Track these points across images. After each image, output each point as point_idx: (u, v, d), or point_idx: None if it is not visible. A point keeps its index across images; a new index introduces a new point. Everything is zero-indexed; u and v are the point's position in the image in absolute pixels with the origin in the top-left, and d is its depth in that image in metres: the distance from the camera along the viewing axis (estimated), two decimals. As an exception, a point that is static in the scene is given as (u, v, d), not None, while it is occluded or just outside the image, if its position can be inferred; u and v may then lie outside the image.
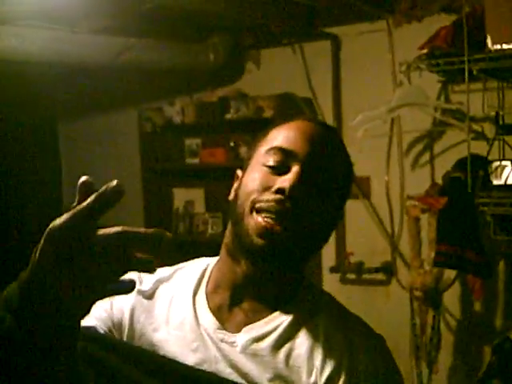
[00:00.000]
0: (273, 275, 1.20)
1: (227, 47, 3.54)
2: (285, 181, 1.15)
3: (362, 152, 3.23)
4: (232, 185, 1.26)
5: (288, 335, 1.17)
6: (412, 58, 2.74)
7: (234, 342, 1.17)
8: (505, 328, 2.94)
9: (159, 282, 1.28)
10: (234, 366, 1.16)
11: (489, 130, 2.76)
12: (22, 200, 4.13)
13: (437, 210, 2.64)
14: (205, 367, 1.16)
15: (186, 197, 3.94)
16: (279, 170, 1.18)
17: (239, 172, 1.27)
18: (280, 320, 1.19)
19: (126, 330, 1.24)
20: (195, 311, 1.23)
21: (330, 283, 3.43)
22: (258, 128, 1.27)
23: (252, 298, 1.21)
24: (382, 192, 3.25)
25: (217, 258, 1.29)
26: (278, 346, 1.16)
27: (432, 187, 2.90)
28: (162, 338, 1.21)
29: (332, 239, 3.37)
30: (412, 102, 2.83)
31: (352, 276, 3.38)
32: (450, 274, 2.84)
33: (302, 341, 1.16)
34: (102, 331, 1.21)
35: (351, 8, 3.10)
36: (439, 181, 2.86)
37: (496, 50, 2.39)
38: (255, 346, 1.17)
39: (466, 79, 2.49)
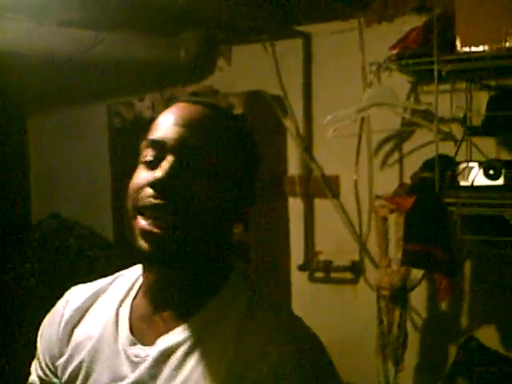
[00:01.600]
0: (178, 278, 1.12)
1: (198, 43, 3.52)
2: (156, 173, 1.06)
3: (331, 151, 3.27)
4: None
5: (197, 346, 1.08)
6: (383, 57, 2.76)
7: (147, 356, 1.10)
8: (470, 327, 2.98)
9: (96, 294, 1.24)
10: None
11: (457, 131, 2.79)
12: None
13: (404, 210, 2.66)
14: None
15: (155, 193, 3.91)
16: (154, 164, 1.09)
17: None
18: (191, 329, 1.10)
19: (59, 362, 1.22)
20: (117, 323, 1.17)
21: (299, 281, 3.43)
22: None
23: (168, 304, 1.13)
24: (351, 191, 3.26)
25: None
26: (186, 357, 1.08)
27: (400, 187, 2.92)
28: (84, 356, 1.17)
29: (300, 237, 3.40)
30: (381, 102, 2.84)
31: (320, 274, 3.39)
32: (417, 273, 2.86)
33: (211, 352, 1.07)
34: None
35: (323, 6, 3.10)
36: (408, 180, 2.88)
37: (465, 52, 2.41)
38: (165, 359, 1.09)
39: (436, 80, 2.51)
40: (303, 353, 1.07)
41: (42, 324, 1.29)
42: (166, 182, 1.05)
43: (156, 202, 1.05)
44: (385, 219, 2.88)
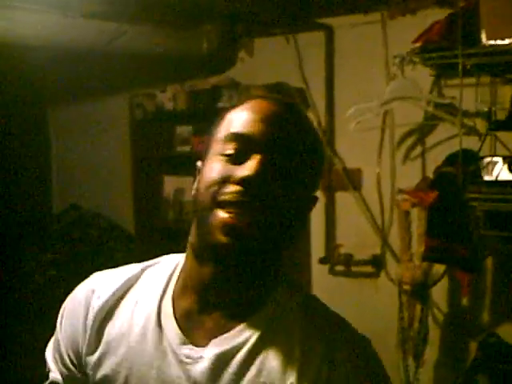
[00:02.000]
0: (242, 276, 1.08)
1: (220, 35, 3.52)
2: (245, 170, 1.03)
3: (353, 144, 3.26)
4: (195, 178, 1.14)
5: (260, 348, 1.05)
6: (406, 51, 2.73)
7: (200, 358, 1.06)
8: (491, 323, 2.95)
9: (126, 285, 1.18)
10: None
11: (481, 125, 2.76)
12: (11, 187, 4.10)
13: (427, 204, 2.64)
14: None
15: (176, 184, 3.93)
16: (238, 158, 1.06)
17: (199, 164, 1.14)
18: (251, 331, 1.06)
19: (84, 357, 1.15)
20: (159, 320, 1.11)
21: (319, 274, 3.43)
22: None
23: (222, 303, 1.09)
24: (373, 184, 3.24)
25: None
26: (248, 360, 1.05)
27: (423, 181, 2.89)
28: (123, 354, 1.11)
29: (322, 230, 3.39)
30: (405, 96, 2.82)
31: (341, 268, 3.38)
32: (438, 268, 2.84)
33: (276, 354, 1.05)
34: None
35: (346, -1, 3.09)
36: (430, 174, 2.86)
37: (490, 45, 2.38)
38: (224, 361, 1.05)
39: (460, 74, 2.48)
40: (369, 360, 1.09)
41: (62, 312, 1.21)
42: (255, 181, 1.03)
43: (242, 199, 1.03)
44: (407, 213, 2.86)
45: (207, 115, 3.73)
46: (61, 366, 1.18)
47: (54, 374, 1.19)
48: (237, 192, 1.03)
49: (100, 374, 1.12)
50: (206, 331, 1.08)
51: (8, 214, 4.04)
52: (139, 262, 1.25)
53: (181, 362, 1.07)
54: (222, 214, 1.03)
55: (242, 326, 1.07)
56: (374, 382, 1.07)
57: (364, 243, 3.30)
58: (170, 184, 3.97)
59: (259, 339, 1.06)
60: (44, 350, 1.23)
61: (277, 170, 1.06)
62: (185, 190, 3.89)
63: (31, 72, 3.91)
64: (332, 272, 3.41)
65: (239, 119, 1.09)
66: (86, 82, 4.03)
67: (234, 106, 1.14)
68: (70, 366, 1.17)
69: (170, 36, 3.39)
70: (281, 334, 1.07)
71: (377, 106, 2.88)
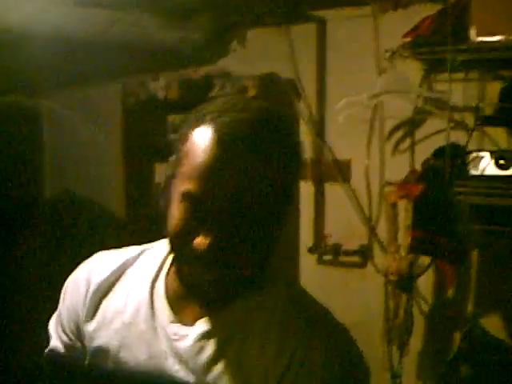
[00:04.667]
0: (222, 280, 1.10)
1: (213, 25, 3.53)
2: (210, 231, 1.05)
3: (343, 136, 3.28)
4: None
5: (240, 330, 1.12)
6: (397, 45, 2.76)
7: (186, 335, 1.13)
8: (475, 315, 2.99)
9: (123, 266, 1.26)
10: (184, 362, 1.12)
11: (469, 120, 2.79)
12: (2, 172, 4.10)
13: (414, 197, 2.67)
14: (153, 363, 1.15)
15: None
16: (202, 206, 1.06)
17: (173, 159, 1.19)
18: (234, 313, 1.14)
19: (83, 328, 1.24)
20: (152, 300, 1.19)
21: (307, 264, 3.46)
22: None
23: (206, 291, 1.12)
24: (362, 176, 3.27)
25: None
26: (229, 340, 1.12)
27: (411, 174, 2.92)
28: (117, 329, 1.20)
29: (310, 220, 3.42)
30: (395, 89, 2.85)
31: (329, 257, 3.41)
32: (424, 260, 2.88)
33: (255, 336, 1.11)
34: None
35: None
36: (419, 167, 2.89)
37: (479, 42, 2.41)
38: (206, 339, 1.12)
39: (449, 69, 2.51)
40: (343, 347, 1.15)
41: (65, 287, 1.30)
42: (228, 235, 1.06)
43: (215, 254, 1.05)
44: (394, 205, 2.89)
45: (199, 105, 3.77)
46: (61, 334, 1.29)
47: (55, 341, 1.30)
48: (205, 253, 1.05)
49: (94, 344, 1.22)
50: (193, 312, 1.16)
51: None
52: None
53: (168, 338, 1.15)
54: (195, 269, 1.07)
55: (225, 309, 1.14)
56: (349, 370, 1.12)
57: (352, 234, 3.33)
58: (162, 172, 3.99)
59: (240, 321, 1.13)
60: (39, 333, 1.33)
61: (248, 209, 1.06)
62: (176, 178, 3.89)
63: (23, 60, 3.91)
64: (320, 261, 3.44)
65: (203, 157, 1.09)
66: (78, 69, 4.03)
67: (197, 122, 1.14)
68: (70, 335, 1.27)
69: (163, 25, 3.40)
70: (261, 316, 1.13)
71: (367, 99, 2.91)
